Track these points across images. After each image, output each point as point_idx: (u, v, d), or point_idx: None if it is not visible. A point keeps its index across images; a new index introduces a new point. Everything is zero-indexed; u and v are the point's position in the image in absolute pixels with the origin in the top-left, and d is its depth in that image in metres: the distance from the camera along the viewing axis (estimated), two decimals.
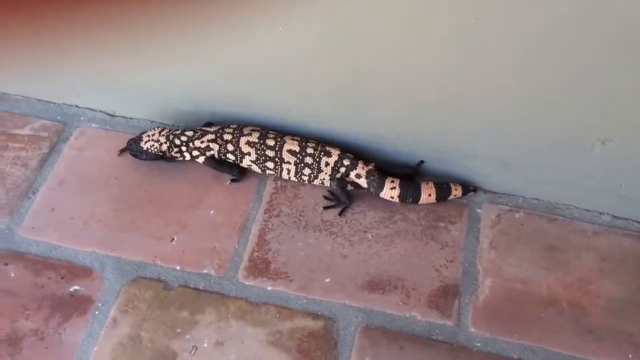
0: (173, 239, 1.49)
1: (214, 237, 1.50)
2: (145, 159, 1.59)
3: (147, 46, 1.50)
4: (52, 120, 1.68)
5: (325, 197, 1.57)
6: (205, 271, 1.45)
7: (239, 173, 1.59)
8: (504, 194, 1.60)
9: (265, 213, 1.54)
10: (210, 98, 1.59)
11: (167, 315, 1.39)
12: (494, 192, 1.60)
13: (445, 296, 1.43)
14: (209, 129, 1.58)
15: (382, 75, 1.41)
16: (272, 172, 1.57)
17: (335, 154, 1.54)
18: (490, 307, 1.42)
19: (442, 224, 1.54)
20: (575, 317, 1.41)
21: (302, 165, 1.54)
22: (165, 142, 1.57)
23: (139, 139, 1.58)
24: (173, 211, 1.54)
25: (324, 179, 1.55)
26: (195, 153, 1.58)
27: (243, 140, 1.54)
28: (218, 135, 1.56)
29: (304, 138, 1.55)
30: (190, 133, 1.57)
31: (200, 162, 1.59)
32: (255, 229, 1.52)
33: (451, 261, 1.48)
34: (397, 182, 1.54)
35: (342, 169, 1.54)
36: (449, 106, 1.42)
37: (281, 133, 1.56)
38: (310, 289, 1.43)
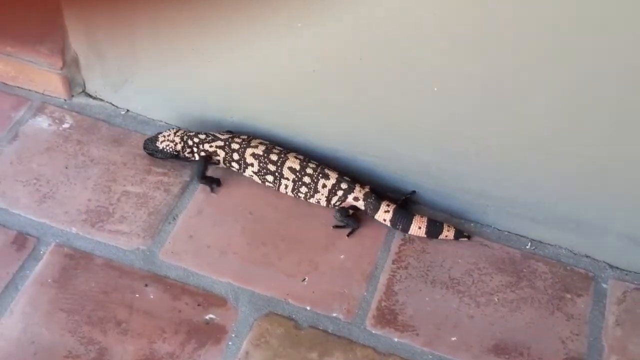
0: (304, 278, 1.54)
1: (344, 282, 1.54)
2: (160, 158, 1.69)
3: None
4: None
5: (337, 219, 1.63)
6: (334, 314, 1.49)
7: (215, 186, 1.68)
8: (630, 271, 1.60)
9: (393, 264, 1.58)
10: (362, 145, 1.64)
11: (297, 355, 1.43)
12: (621, 269, 1.60)
13: None
14: (220, 135, 1.66)
15: (535, 145, 1.44)
16: (271, 185, 1.64)
17: (333, 177, 1.60)
18: None
19: (568, 295, 1.55)
20: None
21: (300, 183, 1.60)
22: (180, 143, 1.66)
23: (155, 139, 1.68)
24: (305, 251, 1.58)
25: (319, 199, 1.62)
26: (202, 154, 1.66)
27: (249, 151, 1.62)
28: (227, 143, 1.64)
29: (306, 158, 1.62)
30: (202, 136, 1.66)
31: (196, 158, 1.68)
32: (383, 279, 1.55)
33: (577, 334, 1.49)
34: (392, 207, 1.60)
35: (340, 192, 1.60)
36: (599, 181, 1.44)
37: (285, 150, 1.63)
38: (437, 345, 1.46)
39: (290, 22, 1.44)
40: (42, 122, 1.78)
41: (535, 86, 1.35)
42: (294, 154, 1.63)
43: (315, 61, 1.51)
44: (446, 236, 1.60)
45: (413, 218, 1.60)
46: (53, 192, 1.64)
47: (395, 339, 1.46)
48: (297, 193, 1.63)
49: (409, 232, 1.60)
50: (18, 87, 1.87)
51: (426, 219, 1.60)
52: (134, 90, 1.79)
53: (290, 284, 1.53)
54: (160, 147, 1.67)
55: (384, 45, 1.40)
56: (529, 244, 1.63)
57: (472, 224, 1.66)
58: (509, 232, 1.65)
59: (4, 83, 1.87)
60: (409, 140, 1.58)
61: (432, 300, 1.52)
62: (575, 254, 1.62)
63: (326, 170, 1.61)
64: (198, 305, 1.48)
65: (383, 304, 1.51)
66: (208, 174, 1.69)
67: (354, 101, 1.56)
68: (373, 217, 1.62)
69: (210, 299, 1.50)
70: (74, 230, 1.58)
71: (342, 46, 1.45)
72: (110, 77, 1.78)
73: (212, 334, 1.45)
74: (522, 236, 1.64)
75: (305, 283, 1.53)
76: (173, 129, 1.71)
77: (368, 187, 1.63)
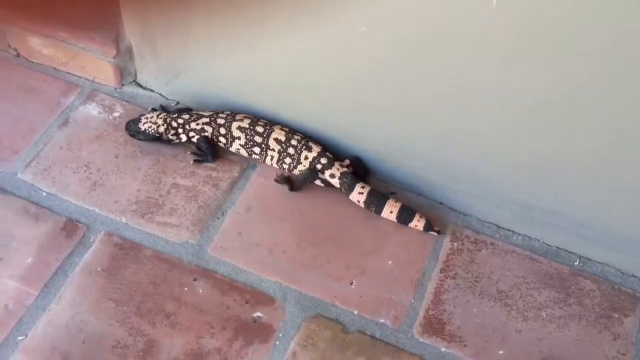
0: (352, 282, 1.53)
1: (391, 288, 1.53)
2: (141, 139, 1.69)
3: None
4: None
5: (300, 180, 1.66)
6: (381, 320, 1.48)
7: (212, 157, 1.70)
8: None
9: (441, 272, 1.57)
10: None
11: (345, 359, 1.42)
12: None
13: None
14: (203, 112, 1.68)
15: (586, 161, 1.44)
16: (257, 157, 1.67)
17: (315, 150, 1.62)
18: None
19: (615, 315, 1.54)
20: None
21: (285, 154, 1.63)
22: (163, 124, 1.67)
23: (137, 120, 1.68)
24: (353, 254, 1.58)
25: (302, 171, 1.63)
26: (191, 134, 1.68)
27: (235, 125, 1.64)
28: (212, 119, 1.66)
29: (291, 130, 1.65)
30: (186, 116, 1.68)
31: (194, 140, 1.69)
32: (430, 287, 1.54)
33: (623, 354, 1.48)
34: (367, 189, 1.61)
35: (319, 166, 1.62)
36: None
37: (271, 122, 1.66)
38: (484, 358, 1.45)
39: (353, 25, 1.43)
40: (92, 109, 1.78)
41: (592, 103, 1.34)
42: (279, 126, 1.65)
43: (371, 64, 1.50)
44: (415, 226, 1.61)
45: (387, 201, 1.60)
46: (103, 181, 1.64)
47: (443, 349, 1.46)
48: (281, 164, 1.66)
49: (382, 215, 1.61)
50: (68, 72, 1.87)
51: (400, 204, 1.61)
52: (184, 83, 1.79)
53: (338, 287, 1.52)
54: (143, 129, 1.68)
55: (445, 54, 1.39)
56: (577, 260, 1.62)
57: (520, 237, 1.65)
58: (557, 247, 1.64)
59: (54, 68, 1.87)
60: (459, 148, 1.58)
61: (480, 312, 1.51)
62: (623, 273, 1.61)
63: (310, 143, 1.63)
64: (246, 302, 1.48)
65: (430, 312, 1.50)
66: None
67: (407, 107, 1.55)
68: (348, 196, 1.63)
69: (258, 296, 1.49)
70: (123, 220, 1.58)
71: (401, 51, 1.44)
72: (162, 68, 1.78)
73: (260, 332, 1.44)
74: (570, 252, 1.63)
75: (353, 287, 1.53)
76: (156, 111, 1.73)
77: (348, 167, 1.64)
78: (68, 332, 1.40)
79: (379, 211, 1.62)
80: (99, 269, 1.49)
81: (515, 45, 1.31)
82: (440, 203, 1.69)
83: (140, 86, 1.83)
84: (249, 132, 1.64)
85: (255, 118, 1.66)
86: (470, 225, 1.65)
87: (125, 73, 1.82)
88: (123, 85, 1.84)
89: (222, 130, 1.66)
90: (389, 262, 1.57)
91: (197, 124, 1.67)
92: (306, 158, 1.63)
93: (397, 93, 1.53)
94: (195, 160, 1.69)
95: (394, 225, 1.63)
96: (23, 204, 1.57)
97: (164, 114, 1.70)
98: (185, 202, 1.62)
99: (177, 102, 1.82)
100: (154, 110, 1.75)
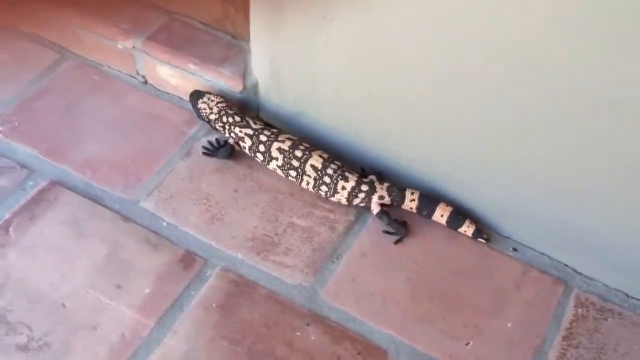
0: (469, 342, 1.47)
1: (509, 353, 1.47)
2: (195, 114, 1.74)
3: None
4: None
5: (386, 224, 1.63)
6: None
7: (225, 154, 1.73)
8: None
9: (563, 340, 1.49)
10: None
11: None
12: None
13: None
14: (252, 123, 1.67)
15: None
16: (293, 180, 1.65)
17: (352, 179, 1.60)
18: None
19: None
20: None
21: (321, 182, 1.61)
22: (216, 114, 1.69)
23: (201, 95, 1.73)
24: (470, 312, 1.52)
25: (340, 199, 1.63)
26: (232, 135, 1.69)
27: (275, 145, 1.63)
28: (256, 133, 1.65)
29: (330, 157, 1.63)
30: (237, 118, 1.69)
31: (225, 135, 1.73)
32: (552, 355, 1.47)
33: None
34: (416, 194, 1.61)
35: (362, 195, 1.60)
36: None
37: (312, 147, 1.64)
38: None
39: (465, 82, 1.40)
40: (214, 141, 1.79)
41: None
42: (318, 152, 1.63)
43: (497, 118, 1.47)
44: (465, 231, 1.60)
45: (438, 205, 1.60)
46: (222, 215, 1.65)
47: None
48: (318, 190, 1.64)
49: (432, 219, 1.61)
50: None
51: (451, 208, 1.60)
52: (307, 121, 1.79)
53: (454, 347, 1.47)
54: (198, 106, 1.72)
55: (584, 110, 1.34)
56: None
57: None
58: None
59: (180, 97, 1.90)
60: (578, 209, 1.51)
61: None
62: None
63: (346, 173, 1.61)
64: (358, 353, 1.45)
65: None
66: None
67: (538, 168, 1.50)
68: (400, 207, 1.62)
69: (371, 348, 1.46)
70: (239, 256, 1.58)
71: (537, 109, 1.40)
72: (286, 105, 1.78)
73: None
74: None
75: (469, 347, 1.47)
76: (218, 97, 1.73)
77: (386, 183, 1.64)
78: None
79: (429, 215, 1.62)
80: (214, 304, 1.49)
81: None
82: (566, 265, 1.60)
83: (262, 121, 1.84)
84: (287, 154, 1.63)
85: (298, 140, 1.65)
86: (597, 290, 1.57)
87: (248, 107, 1.83)
88: None
89: (262, 148, 1.66)
90: (509, 324, 1.51)
91: (240, 131, 1.68)
92: (344, 188, 1.61)
93: (526, 152, 1.49)
94: (204, 153, 1.75)
95: (514, 284, 1.57)
96: (144, 232, 1.60)
97: (224, 104, 1.72)
98: (301, 243, 1.61)
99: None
100: (217, 96, 1.76)
